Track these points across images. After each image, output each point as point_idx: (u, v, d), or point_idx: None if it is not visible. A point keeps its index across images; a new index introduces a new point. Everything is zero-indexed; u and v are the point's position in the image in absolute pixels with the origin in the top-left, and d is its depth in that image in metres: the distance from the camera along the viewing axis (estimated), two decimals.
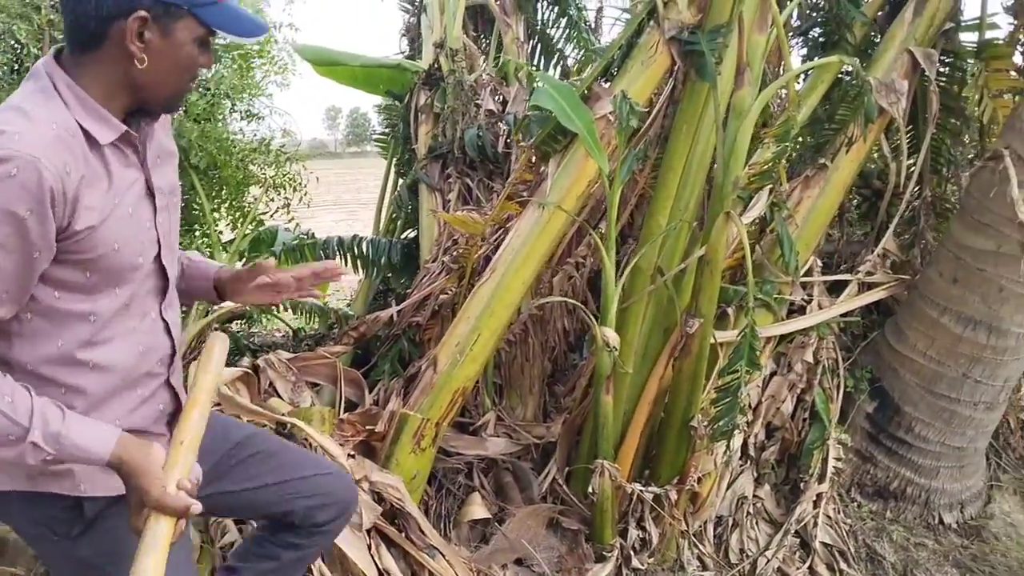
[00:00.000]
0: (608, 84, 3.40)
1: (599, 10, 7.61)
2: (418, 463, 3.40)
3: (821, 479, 3.90)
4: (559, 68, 6.40)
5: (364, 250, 4.92)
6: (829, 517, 3.87)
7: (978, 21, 3.98)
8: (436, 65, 4.86)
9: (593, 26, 7.55)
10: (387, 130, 5.66)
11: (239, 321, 5.72)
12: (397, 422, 3.38)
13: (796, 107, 3.50)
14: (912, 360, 3.86)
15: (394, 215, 5.39)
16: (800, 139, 4.05)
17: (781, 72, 3.65)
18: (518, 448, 4.03)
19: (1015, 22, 4.03)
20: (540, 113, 3.43)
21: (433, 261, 4.38)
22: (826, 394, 3.95)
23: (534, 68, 3.94)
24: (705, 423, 3.44)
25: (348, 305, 5.65)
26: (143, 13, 1.45)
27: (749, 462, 3.99)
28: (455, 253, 3.94)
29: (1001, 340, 3.63)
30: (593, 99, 3.36)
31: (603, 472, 3.44)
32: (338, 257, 4.91)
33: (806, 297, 3.93)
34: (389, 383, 4.18)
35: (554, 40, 6.67)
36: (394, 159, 5.47)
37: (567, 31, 6.87)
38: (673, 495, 3.55)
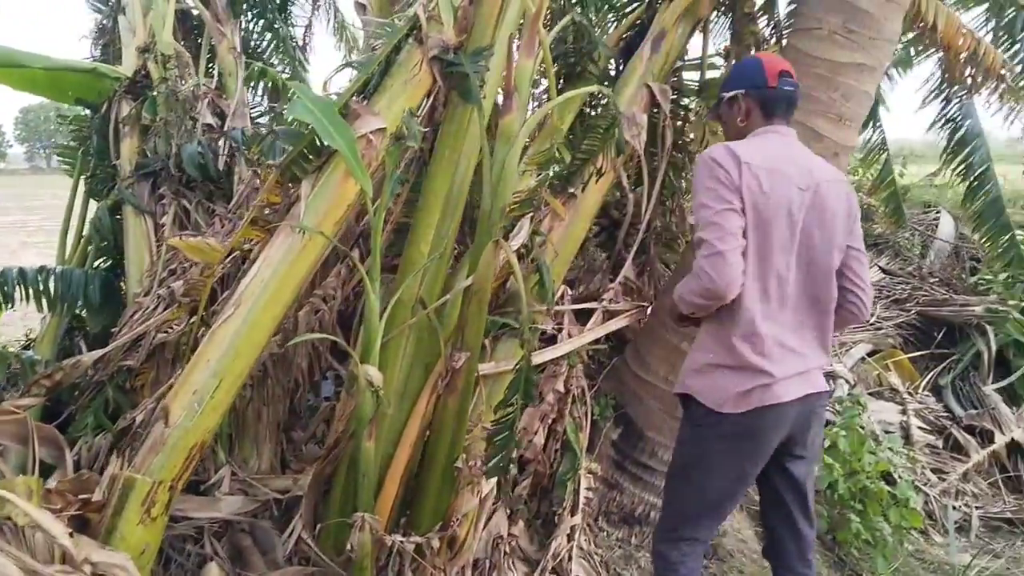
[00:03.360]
0: (366, 101, 3.13)
1: (308, 26, 7.33)
2: (148, 534, 2.85)
3: (574, 511, 3.86)
4: (267, 84, 6.03)
5: (52, 284, 4.17)
6: (582, 549, 3.85)
7: (699, 61, 4.23)
8: (143, 72, 4.26)
9: (303, 44, 7.24)
10: (74, 143, 4.89)
11: None
12: (121, 488, 2.82)
13: (559, 134, 3.46)
14: (654, 386, 3.97)
15: (88, 242, 4.65)
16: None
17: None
18: (255, 505, 3.58)
19: (724, 65, 4.36)
20: (290, 128, 3.07)
21: (146, 294, 3.80)
22: (576, 423, 3.94)
23: (288, 77, 3.55)
24: (473, 462, 3.26)
25: (27, 348, 4.79)
26: None
27: (502, 499, 3.86)
28: (182, 285, 3.42)
29: None
30: (352, 116, 3.07)
31: (363, 526, 3.13)
32: (18, 292, 4.12)
33: (556, 326, 3.90)
34: (94, 440, 3.55)
35: (263, 53, 6.29)
36: (83, 176, 4.73)
37: (273, 44, 6.51)
38: (435, 543, 3.32)
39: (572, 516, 3.86)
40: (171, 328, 3.61)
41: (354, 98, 3.10)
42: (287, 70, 6.56)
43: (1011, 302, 6.02)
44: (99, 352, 3.60)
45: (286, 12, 6.49)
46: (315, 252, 3.06)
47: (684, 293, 2.50)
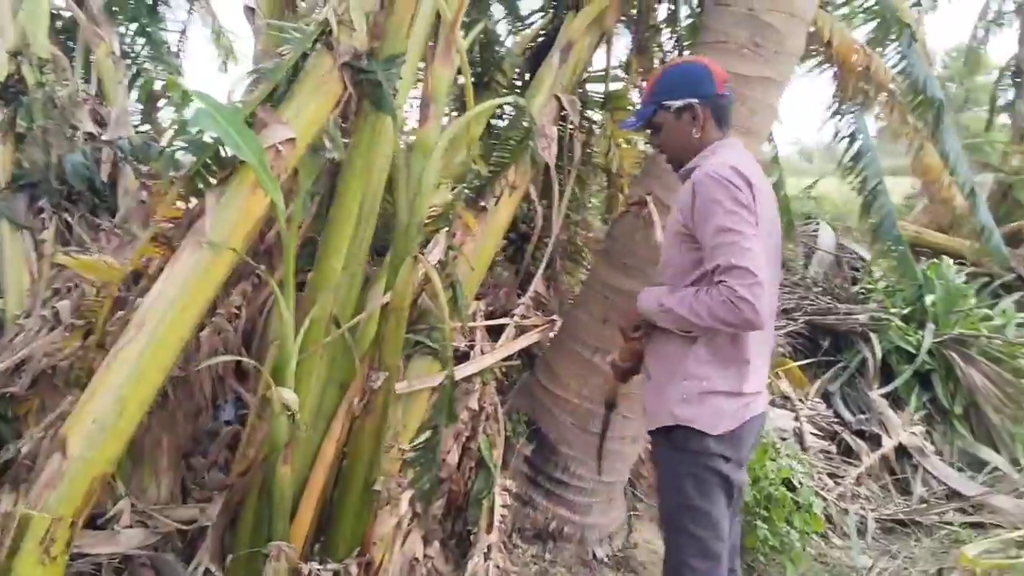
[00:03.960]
0: (274, 110, 2.98)
1: (183, 31, 7.06)
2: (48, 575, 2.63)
3: (489, 529, 3.79)
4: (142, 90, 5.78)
5: None
6: (499, 567, 3.77)
7: (603, 73, 4.26)
8: (16, 76, 3.96)
9: (176, 50, 6.98)
10: None
11: None
12: (16, 527, 2.58)
13: (475, 146, 3.39)
14: (567, 400, 3.95)
15: None
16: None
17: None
18: (157, 538, 3.35)
19: (627, 77, 4.40)
20: (192, 138, 2.90)
21: (27, 316, 3.52)
22: (489, 441, 3.87)
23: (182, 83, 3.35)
24: (392, 484, 3.16)
25: None
26: None
27: (416, 519, 3.75)
28: (69, 305, 3.17)
29: None
30: (259, 125, 2.92)
31: (279, 555, 2.98)
32: None
33: (469, 343, 3.83)
34: None
35: (136, 58, 6.03)
36: None
37: (146, 49, 6.26)
38: (353, 568, 3.20)
39: (488, 534, 3.79)
40: (58, 352, 3.34)
41: (262, 106, 2.95)
42: (162, 76, 6.28)
43: (892, 310, 6.32)
44: None
45: (156, 15, 6.20)
46: (223, 269, 2.88)
47: (709, 319, 2.33)
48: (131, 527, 3.31)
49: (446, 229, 3.31)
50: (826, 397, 6.14)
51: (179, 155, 3.92)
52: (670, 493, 2.62)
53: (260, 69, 2.92)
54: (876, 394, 6.00)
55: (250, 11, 4.39)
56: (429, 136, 2.95)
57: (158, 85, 5.88)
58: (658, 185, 3.70)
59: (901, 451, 5.66)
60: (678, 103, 2.53)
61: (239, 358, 3.11)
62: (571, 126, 3.96)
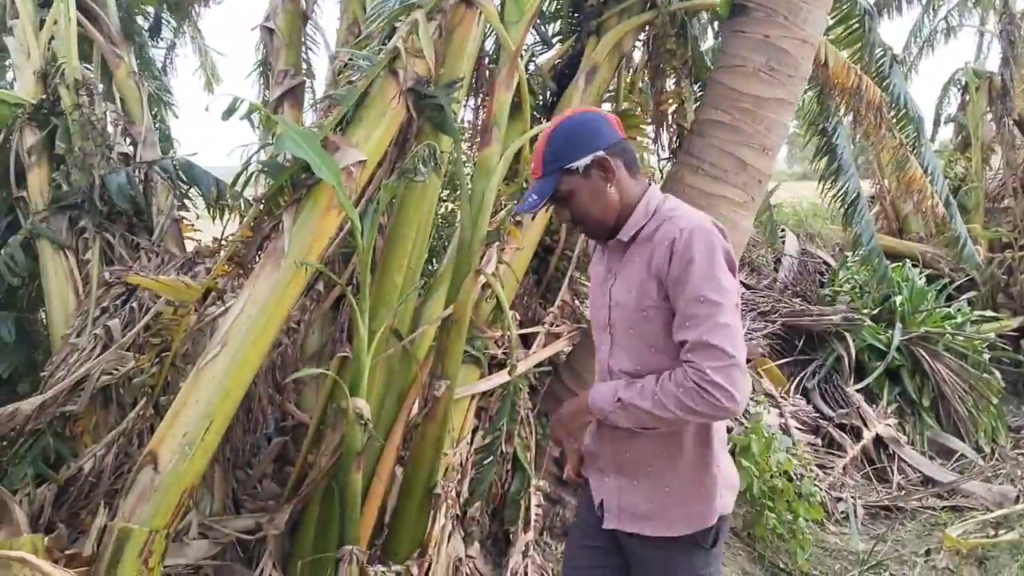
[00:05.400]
0: (343, 134, 3.13)
1: (171, 47, 7.09)
2: None
3: (526, 528, 3.98)
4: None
5: None
6: (536, 563, 3.97)
7: (614, 92, 4.49)
8: (53, 98, 4.01)
9: (163, 66, 7.00)
10: None
11: None
12: (115, 539, 2.67)
13: (527, 166, 3.56)
14: None
15: None
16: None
17: None
18: (217, 549, 3.46)
19: (637, 100, 4.65)
20: (271, 162, 3.03)
21: (78, 335, 3.59)
22: (524, 443, 4.05)
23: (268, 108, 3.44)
24: (449, 487, 3.33)
25: None
26: None
27: (456, 521, 3.92)
28: (155, 326, 3.26)
29: None
30: (331, 148, 3.07)
31: (351, 559, 3.12)
32: None
33: (504, 350, 4.01)
34: (35, 493, 3.32)
35: None
36: None
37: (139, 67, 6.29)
38: (415, 570, 3.35)
39: (525, 533, 3.98)
40: (115, 369, 3.43)
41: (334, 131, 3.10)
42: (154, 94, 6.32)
43: (863, 311, 6.71)
44: (38, 399, 3.35)
45: (158, 36, 6.23)
46: (300, 285, 3.02)
47: (679, 410, 1.96)
48: (196, 539, 3.41)
49: (496, 243, 3.48)
50: (804, 393, 6.48)
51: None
52: None
53: (332, 95, 3.05)
54: (852, 389, 6.36)
55: (268, 31, 4.50)
56: (491, 157, 3.14)
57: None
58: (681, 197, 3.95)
59: (878, 442, 6.02)
60: (585, 161, 2.08)
61: (326, 372, 3.20)
62: None
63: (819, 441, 5.88)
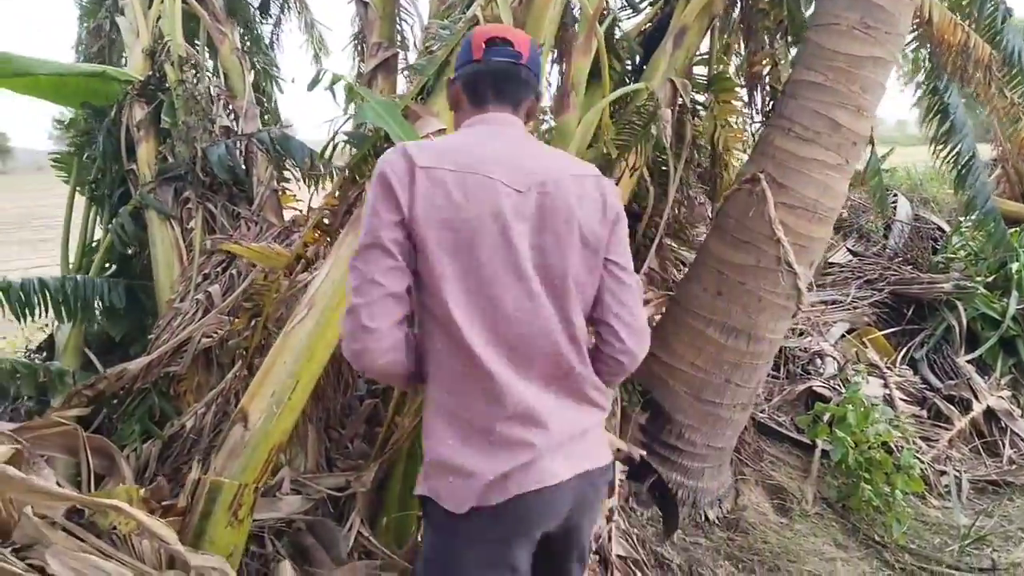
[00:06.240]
0: (424, 103, 3.18)
1: (276, 23, 7.27)
2: (235, 536, 2.89)
3: (610, 493, 4.00)
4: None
5: (69, 292, 4.10)
6: (620, 529, 3.99)
7: (707, 56, 4.40)
8: (159, 74, 4.21)
9: (270, 42, 7.20)
10: (71, 148, 4.80)
11: None
12: (207, 492, 2.84)
13: (610, 130, 3.55)
14: (681, 371, 4.13)
15: (91, 247, 4.58)
16: None
17: None
18: (309, 504, 3.62)
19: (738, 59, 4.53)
20: (356, 132, 3.12)
21: (182, 300, 3.79)
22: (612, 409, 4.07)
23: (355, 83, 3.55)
24: None
25: (34, 354, 4.68)
26: None
27: None
28: (248, 291, 3.43)
29: (758, 346, 4.02)
30: (412, 117, 3.13)
31: None
32: (38, 302, 4.04)
33: None
34: (141, 448, 3.54)
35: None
36: (88, 183, 4.65)
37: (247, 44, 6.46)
38: None
39: (608, 499, 4.01)
40: (215, 333, 3.61)
41: (415, 101, 3.16)
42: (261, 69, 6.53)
43: (977, 278, 6.39)
44: (145, 360, 3.57)
45: (267, 13, 6.41)
46: None
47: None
48: (287, 494, 3.58)
49: None
50: (912, 364, 6.25)
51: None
52: None
53: (413, 65, 3.11)
54: (963, 360, 6.09)
55: (362, 4, 4.59)
56: (570, 124, 3.14)
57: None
58: (771, 164, 3.86)
59: (989, 415, 5.76)
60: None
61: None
62: (680, 108, 4.10)
63: (924, 413, 5.67)
